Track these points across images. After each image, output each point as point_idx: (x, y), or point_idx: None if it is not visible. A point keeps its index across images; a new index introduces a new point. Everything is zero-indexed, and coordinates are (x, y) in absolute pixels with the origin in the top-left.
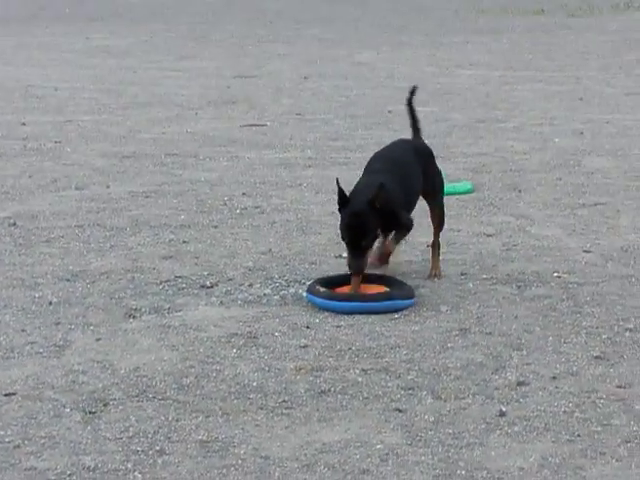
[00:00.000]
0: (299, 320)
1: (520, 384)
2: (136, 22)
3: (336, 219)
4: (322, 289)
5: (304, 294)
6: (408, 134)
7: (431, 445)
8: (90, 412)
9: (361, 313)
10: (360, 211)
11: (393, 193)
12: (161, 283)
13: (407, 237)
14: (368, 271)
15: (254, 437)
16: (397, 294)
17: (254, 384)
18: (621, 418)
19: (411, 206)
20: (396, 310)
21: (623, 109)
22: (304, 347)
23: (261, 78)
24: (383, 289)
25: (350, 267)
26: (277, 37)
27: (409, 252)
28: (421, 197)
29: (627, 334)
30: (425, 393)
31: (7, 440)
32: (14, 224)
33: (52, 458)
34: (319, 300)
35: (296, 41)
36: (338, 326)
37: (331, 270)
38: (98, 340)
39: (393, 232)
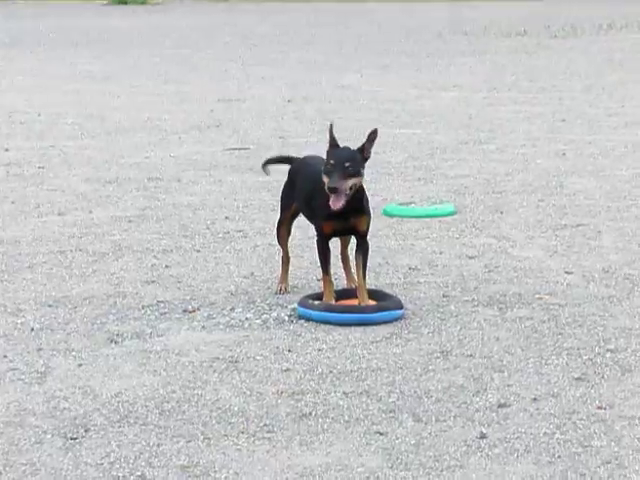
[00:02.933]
0: (281, 344)
1: (501, 406)
2: (120, 47)
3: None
4: (317, 302)
5: (297, 308)
6: (392, 156)
7: (412, 468)
8: (71, 438)
9: (357, 325)
10: (350, 148)
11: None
12: (143, 308)
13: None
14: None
15: (235, 461)
16: (391, 305)
17: (235, 408)
18: (601, 439)
19: None
20: (391, 320)
21: (605, 130)
22: (286, 371)
23: (244, 102)
24: (372, 302)
25: (328, 183)
26: (261, 61)
27: (391, 275)
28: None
29: (608, 355)
30: (406, 416)
31: None
32: None
33: None
34: (315, 313)
35: (280, 64)
36: (320, 349)
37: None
38: (80, 366)
39: (354, 253)
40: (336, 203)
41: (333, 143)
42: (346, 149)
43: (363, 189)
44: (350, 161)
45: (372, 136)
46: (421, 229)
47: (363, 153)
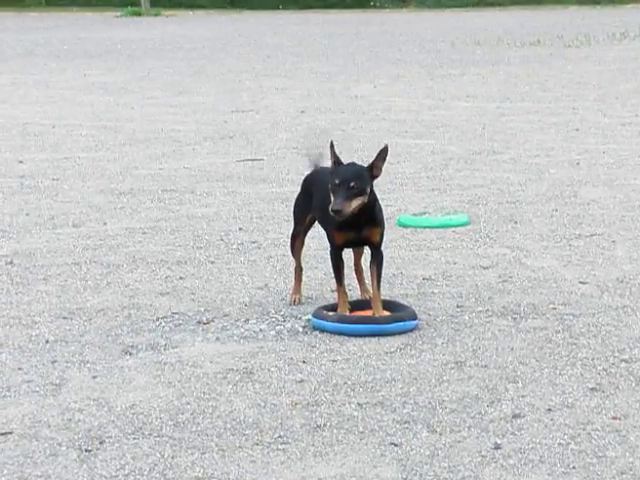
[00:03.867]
0: (295, 355)
1: (515, 416)
2: (133, 58)
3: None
4: (331, 313)
5: (311, 319)
6: (405, 167)
7: (427, 479)
8: (86, 450)
9: (372, 335)
10: (358, 165)
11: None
12: (157, 320)
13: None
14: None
15: (250, 473)
16: (406, 315)
17: (250, 420)
18: (616, 450)
19: None
20: (405, 331)
21: (619, 139)
22: (300, 382)
23: (258, 113)
24: (386, 313)
25: (332, 205)
26: (274, 71)
27: (405, 285)
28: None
29: (623, 365)
30: (420, 427)
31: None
32: (11, 262)
33: None
34: (329, 324)
35: (293, 75)
36: (334, 360)
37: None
38: (94, 378)
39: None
40: (340, 215)
41: (336, 160)
42: (352, 166)
43: (375, 200)
44: (355, 180)
45: (383, 154)
46: (435, 239)
47: (372, 171)
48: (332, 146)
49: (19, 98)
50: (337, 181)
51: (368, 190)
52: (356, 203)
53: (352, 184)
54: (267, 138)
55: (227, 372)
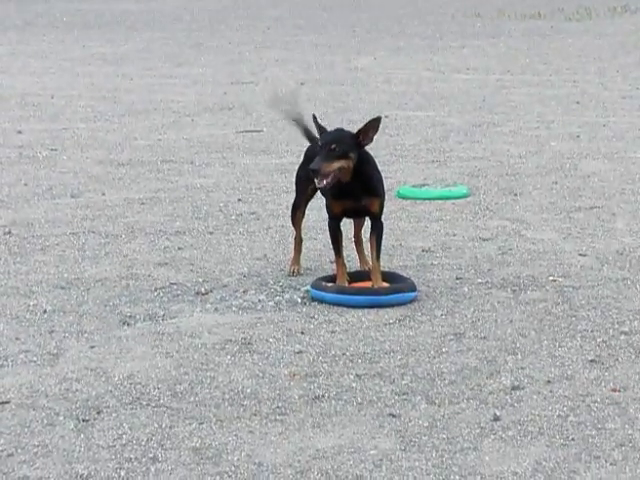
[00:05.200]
0: (294, 326)
1: (514, 388)
2: (133, 29)
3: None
4: (330, 284)
5: (309, 290)
6: (405, 139)
7: (425, 450)
8: (83, 420)
9: (371, 307)
10: (344, 130)
11: (370, 158)
12: (156, 290)
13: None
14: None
15: (248, 444)
16: (405, 287)
17: (248, 390)
18: (615, 422)
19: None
20: (404, 303)
21: (620, 112)
22: (298, 353)
23: (257, 84)
24: (385, 284)
25: (311, 165)
26: (274, 43)
27: (404, 257)
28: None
29: (622, 337)
30: (419, 398)
31: (0, 449)
32: (9, 232)
33: (45, 467)
34: (328, 295)
35: (293, 47)
36: (333, 332)
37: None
38: (92, 348)
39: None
40: (320, 182)
41: (321, 130)
42: (336, 131)
43: (374, 169)
44: (337, 143)
45: (374, 123)
46: (434, 211)
47: (360, 138)
48: (315, 118)
49: (18, 69)
50: (320, 144)
51: (353, 155)
52: (337, 165)
53: (333, 146)
54: (266, 110)
55: (225, 343)
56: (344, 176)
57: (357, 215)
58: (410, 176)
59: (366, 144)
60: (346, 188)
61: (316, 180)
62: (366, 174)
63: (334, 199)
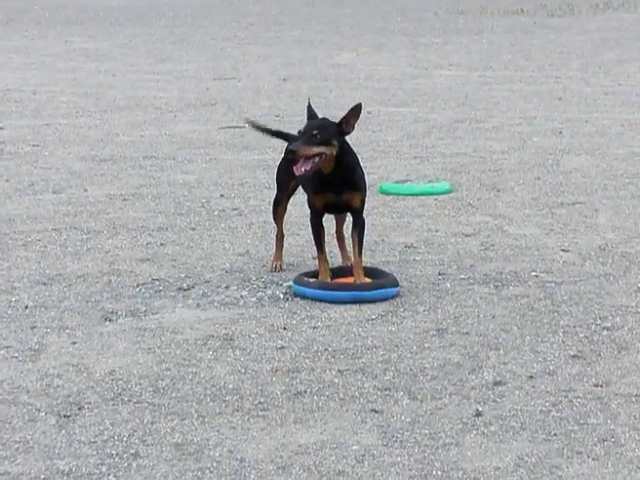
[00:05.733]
0: (276, 322)
1: (497, 384)
2: (115, 25)
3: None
4: (312, 280)
5: (292, 285)
6: (388, 134)
7: (407, 446)
8: (65, 416)
9: (353, 302)
10: (327, 120)
11: (352, 152)
12: (138, 286)
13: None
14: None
15: (229, 439)
16: (387, 282)
17: (230, 386)
18: (598, 417)
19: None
20: (386, 298)
21: (602, 108)
22: (280, 349)
23: (240, 80)
24: (367, 280)
25: (288, 145)
26: (256, 39)
27: (387, 253)
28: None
29: (604, 333)
30: (401, 394)
31: None
32: None
33: (26, 462)
34: (310, 291)
35: (275, 43)
36: (315, 327)
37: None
38: (74, 344)
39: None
40: (298, 168)
41: (310, 116)
42: (321, 119)
43: (356, 164)
44: (319, 129)
45: (356, 110)
46: (417, 207)
47: (342, 126)
48: (309, 105)
49: (0, 64)
50: (302, 130)
51: (335, 143)
52: (317, 150)
53: (315, 132)
54: (249, 105)
55: (207, 338)
56: (326, 166)
57: (338, 210)
58: (393, 172)
59: (348, 132)
60: (327, 180)
61: (295, 167)
62: (348, 167)
63: (315, 193)
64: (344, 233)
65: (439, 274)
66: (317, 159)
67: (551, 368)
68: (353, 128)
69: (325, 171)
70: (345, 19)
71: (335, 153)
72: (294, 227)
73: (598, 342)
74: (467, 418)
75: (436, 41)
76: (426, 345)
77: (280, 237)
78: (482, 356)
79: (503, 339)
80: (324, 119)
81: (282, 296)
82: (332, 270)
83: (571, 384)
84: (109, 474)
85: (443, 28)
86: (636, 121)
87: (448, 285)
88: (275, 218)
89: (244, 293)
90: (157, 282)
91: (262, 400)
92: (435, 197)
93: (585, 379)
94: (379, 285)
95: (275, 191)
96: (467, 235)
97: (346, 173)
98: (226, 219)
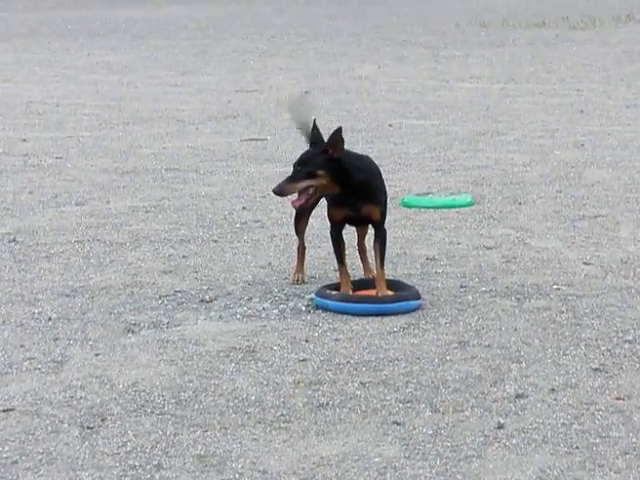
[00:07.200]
0: (298, 334)
1: (519, 396)
2: (138, 38)
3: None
4: (334, 292)
5: (314, 298)
6: (409, 147)
7: (429, 458)
8: (88, 427)
9: (375, 315)
10: (311, 150)
11: (365, 167)
12: (160, 298)
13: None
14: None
15: (252, 451)
16: (409, 295)
17: (252, 398)
18: (620, 430)
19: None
20: (408, 311)
21: (624, 121)
22: (303, 361)
23: (262, 92)
24: (389, 293)
25: (273, 188)
26: (278, 51)
27: (409, 265)
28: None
29: (626, 346)
30: (423, 406)
31: (5, 456)
32: (14, 240)
33: (49, 474)
34: (332, 303)
35: (297, 55)
36: (337, 340)
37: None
38: (97, 355)
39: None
40: (293, 203)
41: (312, 141)
42: (305, 152)
43: (372, 178)
44: (301, 164)
45: (335, 136)
46: (439, 220)
47: (327, 152)
48: (314, 124)
49: (23, 77)
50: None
51: (321, 172)
52: (303, 184)
53: (298, 167)
54: (271, 118)
55: (230, 350)
56: (325, 191)
57: (359, 223)
58: (414, 185)
59: (339, 157)
60: (342, 197)
61: (291, 202)
62: (361, 183)
63: (334, 207)
64: (366, 245)
65: (461, 287)
66: (311, 190)
67: (573, 381)
68: (342, 151)
69: (329, 194)
70: (367, 32)
71: (325, 182)
72: (316, 239)
73: (620, 355)
74: (489, 431)
75: (458, 54)
76: (448, 358)
77: (302, 249)
78: (504, 369)
79: (525, 352)
80: (307, 151)
81: (304, 308)
82: (354, 282)
83: (593, 397)
84: None
85: (465, 41)
86: None
87: (470, 298)
88: (297, 230)
89: (266, 305)
90: (179, 294)
91: (284, 412)
92: (457, 210)
93: (607, 392)
94: (401, 297)
95: None
96: (489, 248)
97: (360, 189)
98: (248, 231)
